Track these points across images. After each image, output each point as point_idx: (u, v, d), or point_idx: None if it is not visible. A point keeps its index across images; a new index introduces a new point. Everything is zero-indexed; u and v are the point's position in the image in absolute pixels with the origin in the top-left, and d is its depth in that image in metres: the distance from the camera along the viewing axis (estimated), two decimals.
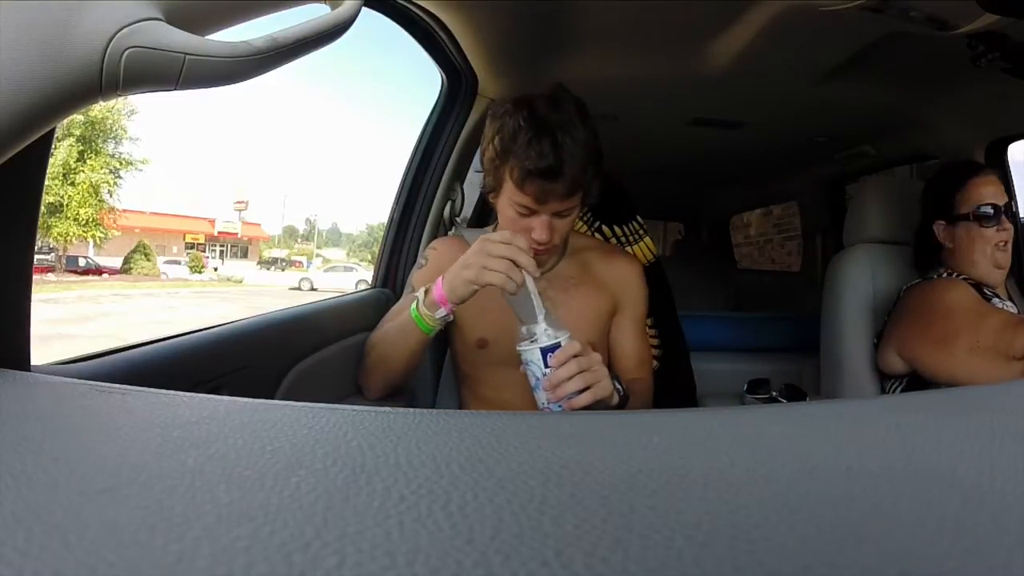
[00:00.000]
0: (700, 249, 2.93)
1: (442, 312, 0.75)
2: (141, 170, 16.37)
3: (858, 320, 1.22)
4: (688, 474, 0.20)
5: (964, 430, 0.25)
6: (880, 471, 0.21)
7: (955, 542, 0.16)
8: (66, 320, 7.79)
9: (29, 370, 0.40)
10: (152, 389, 0.30)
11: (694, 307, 1.68)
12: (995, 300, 1.07)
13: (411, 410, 0.27)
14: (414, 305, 0.77)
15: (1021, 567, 0.15)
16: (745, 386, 1.45)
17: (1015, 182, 1.36)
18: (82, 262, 17.48)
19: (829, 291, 1.29)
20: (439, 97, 1.24)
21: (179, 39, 0.27)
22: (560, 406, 0.67)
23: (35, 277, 0.41)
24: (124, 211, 17.66)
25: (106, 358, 0.53)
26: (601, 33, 1.10)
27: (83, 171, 14.83)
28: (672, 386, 1.16)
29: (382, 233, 1.34)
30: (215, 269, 23.26)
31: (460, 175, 1.31)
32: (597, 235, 1.15)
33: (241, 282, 20.02)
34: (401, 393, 0.90)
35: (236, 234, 28.01)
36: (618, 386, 0.76)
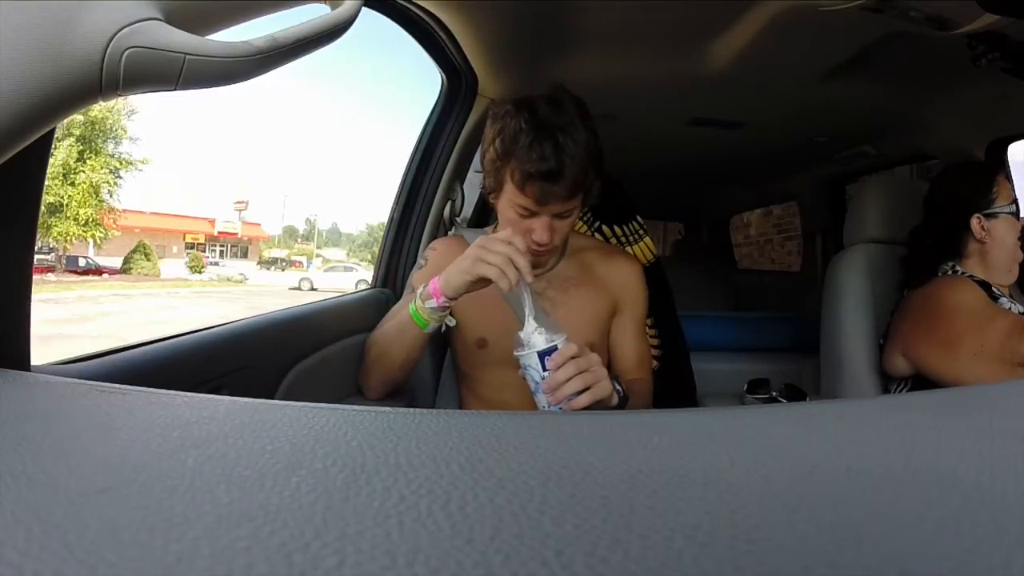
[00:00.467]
0: (700, 249, 2.92)
1: (433, 303, 0.76)
2: (141, 170, 16.39)
3: (858, 320, 1.22)
4: (688, 474, 0.20)
5: (964, 430, 0.25)
6: (880, 471, 0.21)
7: (955, 542, 0.16)
8: (66, 320, 7.79)
9: (29, 370, 0.40)
10: (152, 389, 0.30)
11: (694, 307, 1.68)
12: (1002, 300, 1.07)
13: (411, 410, 0.27)
14: (413, 303, 0.78)
15: (1021, 567, 0.15)
16: (745, 386, 1.45)
17: (1015, 182, 1.36)
18: (82, 262, 17.47)
19: (829, 291, 1.29)
20: (439, 97, 1.24)
21: (179, 39, 0.27)
22: (561, 408, 0.68)
23: (35, 277, 0.41)
24: (124, 211, 17.67)
25: (106, 358, 0.53)
26: (601, 33, 1.10)
27: (83, 171, 14.83)
28: (672, 386, 1.16)
29: (382, 233, 1.34)
30: (215, 264, 23.39)
31: (460, 175, 1.31)
32: (597, 235, 1.15)
33: (242, 282, 20.04)
34: (401, 393, 0.90)
35: (236, 234, 28.02)
36: (617, 387, 0.76)
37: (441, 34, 1.04)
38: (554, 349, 0.67)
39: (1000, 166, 1.14)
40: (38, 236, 0.41)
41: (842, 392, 1.22)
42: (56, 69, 0.25)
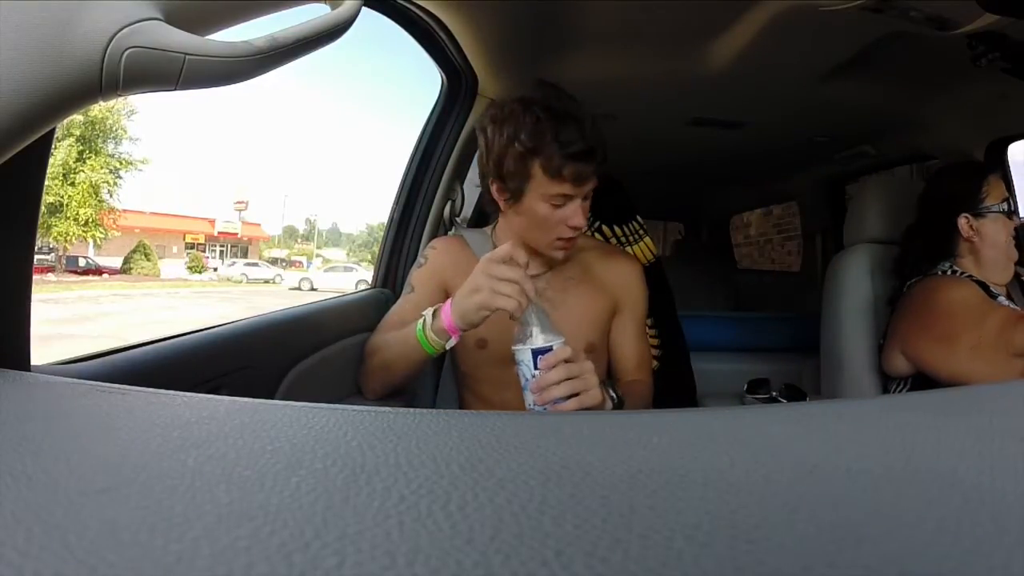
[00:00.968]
0: (700, 249, 2.92)
1: (453, 342, 0.75)
2: (141, 170, 16.40)
3: (858, 320, 1.22)
4: (688, 474, 0.20)
5: (964, 430, 0.25)
6: (880, 471, 0.21)
7: (955, 542, 0.16)
8: (66, 320, 7.79)
9: (29, 370, 0.40)
10: (152, 389, 0.30)
11: (694, 307, 1.68)
12: (1000, 299, 1.07)
13: (411, 410, 0.27)
14: (420, 327, 0.76)
15: (1021, 567, 0.15)
16: (745, 386, 1.45)
17: (1015, 182, 1.36)
18: (82, 262, 17.48)
19: (829, 291, 1.29)
20: (439, 97, 1.24)
21: (179, 39, 0.27)
22: (545, 410, 0.67)
23: (35, 277, 0.41)
24: (124, 211, 17.67)
25: (106, 358, 0.53)
26: (601, 33, 1.10)
27: (83, 171, 14.84)
28: (672, 386, 1.16)
29: (382, 233, 1.34)
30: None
31: (460, 175, 1.31)
32: (597, 235, 1.15)
33: (240, 282, 20.06)
34: (401, 393, 0.90)
35: (236, 234, 28.01)
36: (612, 393, 0.76)
37: (441, 34, 1.04)
38: (549, 350, 0.67)
39: (994, 166, 1.13)
40: (38, 236, 0.41)
41: (842, 392, 1.22)
42: (56, 69, 0.25)
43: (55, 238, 15.10)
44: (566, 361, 0.67)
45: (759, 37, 1.05)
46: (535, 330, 0.68)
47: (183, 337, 0.65)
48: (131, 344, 0.59)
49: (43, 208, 0.43)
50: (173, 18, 0.27)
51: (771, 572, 0.14)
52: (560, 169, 0.77)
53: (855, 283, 1.24)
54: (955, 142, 1.47)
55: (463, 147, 1.27)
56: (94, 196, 15.12)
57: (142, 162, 16.40)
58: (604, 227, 1.16)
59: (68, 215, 14.73)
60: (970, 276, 1.09)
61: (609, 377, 0.95)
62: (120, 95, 0.27)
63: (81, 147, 14.98)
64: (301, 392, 0.79)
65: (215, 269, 23.13)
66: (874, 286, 1.23)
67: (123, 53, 0.26)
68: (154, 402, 0.28)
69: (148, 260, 18.93)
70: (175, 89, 0.27)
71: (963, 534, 0.16)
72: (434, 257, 0.94)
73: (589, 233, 1.14)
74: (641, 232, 1.19)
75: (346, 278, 16.48)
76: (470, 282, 0.72)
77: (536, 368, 0.67)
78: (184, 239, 25.04)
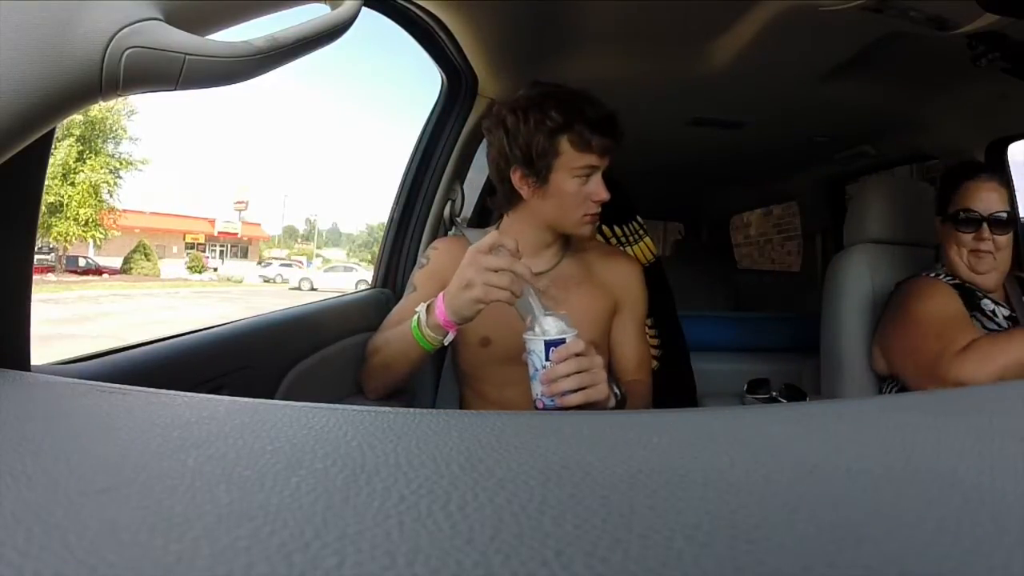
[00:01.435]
0: (700, 249, 2.92)
1: (450, 337, 0.75)
2: (141, 170, 16.39)
3: (858, 320, 1.22)
4: (688, 474, 0.20)
5: (964, 430, 0.25)
6: (880, 471, 0.21)
7: (955, 542, 0.16)
8: (66, 320, 7.79)
9: (29, 370, 0.40)
10: (152, 389, 0.30)
11: (694, 307, 1.68)
12: (985, 302, 1.06)
13: (411, 410, 0.27)
14: (415, 324, 0.76)
15: (1021, 567, 0.15)
16: (745, 386, 1.45)
17: (1015, 182, 1.35)
18: (82, 262, 17.48)
19: (829, 291, 1.29)
20: (439, 97, 1.24)
21: (179, 39, 0.27)
22: (553, 401, 0.68)
23: (35, 277, 0.41)
24: (124, 211, 17.66)
25: (106, 358, 0.53)
26: (601, 33, 1.10)
27: (83, 171, 14.83)
28: (672, 386, 1.16)
29: (382, 233, 1.34)
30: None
31: (460, 175, 1.31)
32: (597, 235, 1.15)
33: (241, 282, 20.05)
34: (401, 393, 0.90)
35: (236, 234, 27.99)
36: (616, 390, 0.76)
37: (441, 34, 1.04)
38: (562, 342, 0.68)
39: (990, 173, 1.10)
40: (38, 236, 0.41)
41: (842, 392, 1.22)
42: (56, 69, 0.25)
43: (55, 238, 15.10)
44: (578, 354, 0.68)
45: (759, 37, 1.05)
46: (552, 320, 0.69)
47: (183, 337, 0.65)
48: (131, 344, 0.59)
49: (43, 208, 0.43)
50: (173, 18, 0.27)
51: (771, 572, 0.14)
52: (589, 140, 0.82)
53: (855, 283, 1.24)
54: (955, 142, 1.47)
55: (463, 147, 1.27)
56: (94, 196, 15.12)
57: (142, 162, 16.40)
58: (604, 227, 1.16)
59: (68, 215, 14.73)
60: (956, 280, 1.09)
61: (610, 375, 0.95)
62: (120, 95, 0.27)
63: (81, 147, 14.98)
64: (301, 392, 0.79)
65: (215, 269, 23.12)
66: (874, 286, 1.23)
67: (123, 53, 0.26)
68: (154, 402, 0.28)
69: (148, 260, 18.93)
70: (175, 89, 0.27)
71: (963, 534, 0.16)
72: (436, 257, 0.94)
73: None
74: (641, 232, 1.19)
75: (346, 278, 16.49)
76: (460, 276, 0.71)
77: (547, 359, 0.68)
78: (184, 239, 25.02)
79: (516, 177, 0.86)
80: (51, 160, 0.41)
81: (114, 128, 15.69)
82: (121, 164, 15.81)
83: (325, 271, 21.29)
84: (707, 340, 1.65)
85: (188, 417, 0.25)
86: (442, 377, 1.12)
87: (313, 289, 16.80)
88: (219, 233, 27.30)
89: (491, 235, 0.72)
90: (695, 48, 1.14)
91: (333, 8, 0.31)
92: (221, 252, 26.93)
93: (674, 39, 1.11)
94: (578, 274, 0.93)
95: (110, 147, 15.78)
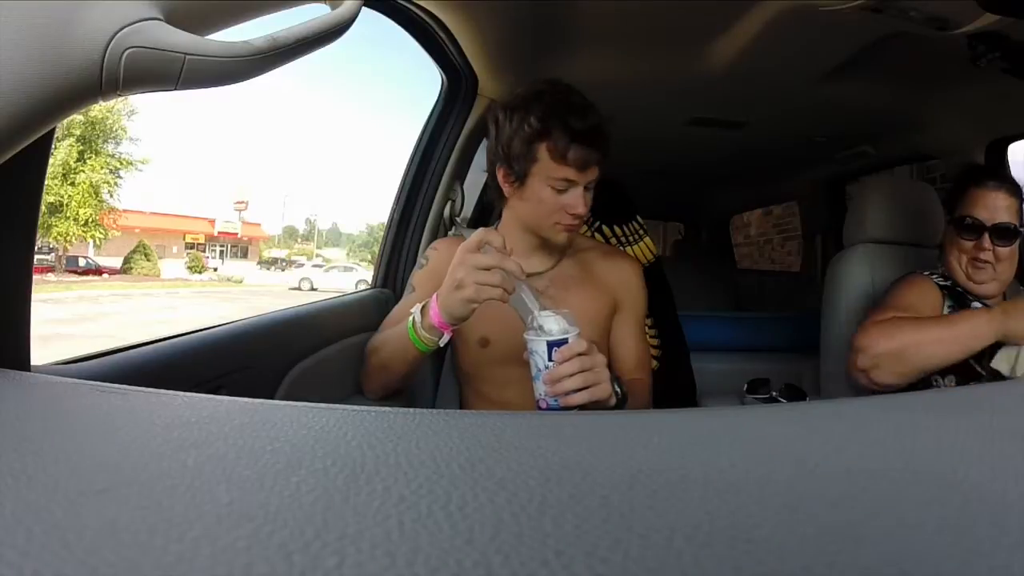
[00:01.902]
0: (700, 249, 2.93)
1: (445, 338, 0.75)
2: (141, 170, 16.36)
3: (858, 320, 1.22)
4: (688, 474, 0.20)
5: (964, 430, 0.25)
6: (880, 471, 0.21)
7: (955, 542, 0.16)
8: (66, 320, 7.79)
9: (29, 370, 0.40)
10: (152, 389, 0.30)
11: (694, 307, 1.68)
12: (975, 304, 1.05)
13: (411, 410, 0.27)
14: (410, 325, 0.76)
15: (1021, 567, 0.15)
16: (745, 386, 1.45)
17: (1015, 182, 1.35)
18: (82, 262, 17.47)
19: (829, 291, 1.29)
20: (439, 97, 1.24)
21: (179, 39, 0.27)
22: (557, 401, 0.68)
23: (35, 277, 0.41)
24: (124, 211, 17.64)
25: (106, 358, 0.53)
26: (601, 33, 1.10)
27: (83, 171, 14.82)
28: (672, 386, 1.16)
29: (382, 233, 1.34)
30: (214, 267, 23.10)
31: (460, 175, 1.31)
32: (597, 235, 1.15)
33: (241, 282, 20.05)
34: (401, 393, 0.90)
35: (236, 234, 27.99)
36: (617, 388, 0.76)
37: (441, 34, 1.04)
38: (564, 342, 0.68)
39: (1000, 181, 1.08)
40: (38, 236, 0.41)
41: (842, 392, 1.22)
42: (56, 69, 0.25)
43: (55, 238, 15.09)
44: (581, 354, 0.68)
45: (759, 37, 1.05)
46: (553, 321, 0.68)
47: (183, 337, 0.65)
48: (131, 344, 0.59)
49: (43, 208, 0.43)
50: (173, 18, 0.27)
51: (771, 572, 0.14)
52: (565, 152, 0.79)
53: (855, 283, 1.24)
54: (955, 142, 1.47)
55: (463, 147, 1.27)
56: (94, 196, 15.10)
57: (142, 162, 16.38)
58: (604, 227, 1.16)
59: (68, 215, 14.71)
60: (948, 281, 1.08)
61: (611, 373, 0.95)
62: (120, 95, 0.27)
63: (81, 147, 14.96)
64: (301, 392, 0.79)
65: (215, 269, 23.10)
66: (874, 286, 1.22)
67: (123, 53, 0.26)
68: (154, 402, 0.28)
69: (148, 260, 18.92)
70: (175, 89, 0.27)
71: (963, 534, 0.16)
72: (435, 258, 0.94)
73: (589, 233, 1.14)
74: (641, 232, 1.19)
75: (346, 278, 16.51)
76: (451, 277, 0.71)
77: (550, 359, 0.67)
78: (184, 239, 25.02)
79: (500, 174, 0.86)
80: (51, 160, 0.41)
81: (114, 128, 15.68)
82: (121, 164, 15.79)
83: (325, 271, 21.29)
84: (707, 340, 1.65)
85: (188, 417, 0.25)
86: (442, 377, 1.12)
87: (313, 289, 16.82)
88: (219, 233, 27.29)
89: (478, 232, 0.71)
90: (695, 48, 1.14)
91: (333, 8, 0.31)
92: (221, 252, 26.92)
93: (674, 39, 1.11)
94: (578, 274, 0.93)
95: (110, 147, 15.77)
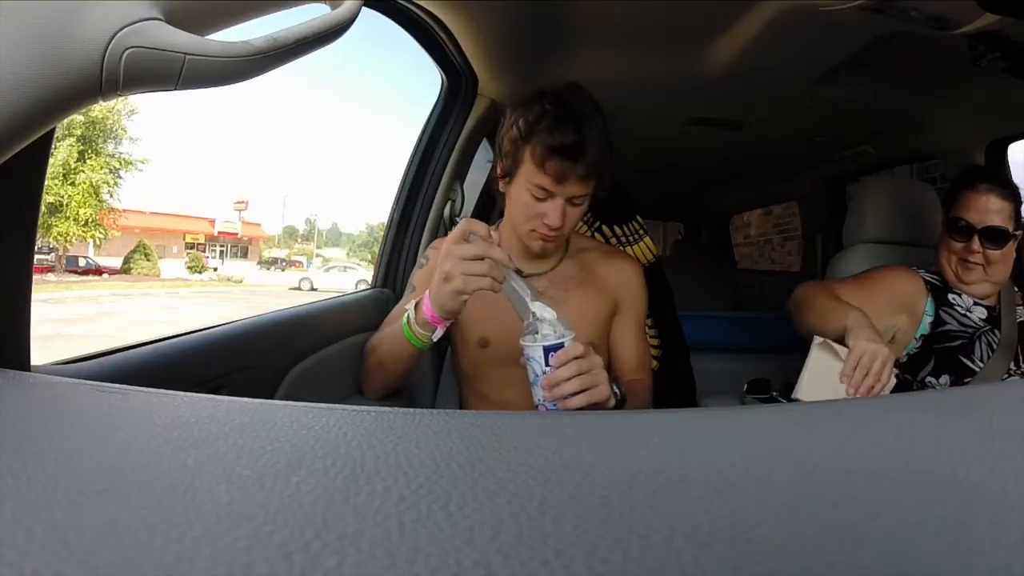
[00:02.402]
0: (700, 249, 2.93)
1: (439, 333, 0.75)
2: (141, 170, 16.35)
3: None
4: (688, 474, 0.20)
5: (964, 430, 0.25)
6: (880, 471, 0.21)
7: (955, 542, 0.16)
8: (66, 320, 7.78)
9: (29, 370, 0.40)
10: (152, 389, 0.30)
11: (694, 307, 1.68)
12: (958, 299, 1.05)
13: (411, 410, 0.27)
14: (405, 321, 0.76)
15: (1021, 567, 0.15)
16: (745, 386, 1.45)
17: (1015, 182, 1.35)
18: (82, 262, 17.47)
19: None
20: (439, 97, 1.24)
21: (179, 39, 0.27)
22: (556, 405, 0.68)
23: (35, 277, 0.41)
24: (124, 211, 17.63)
25: (106, 358, 0.53)
26: (601, 33, 1.10)
27: (83, 171, 14.81)
28: (672, 386, 1.16)
29: (382, 233, 1.34)
30: (214, 267, 23.08)
31: (460, 175, 1.31)
32: (597, 235, 1.15)
33: (241, 282, 20.04)
34: (401, 393, 0.90)
35: (236, 234, 27.99)
36: (616, 389, 0.76)
37: (441, 34, 1.04)
38: (560, 346, 0.67)
39: (996, 186, 1.08)
40: (38, 236, 0.41)
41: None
42: (56, 69, 0.25)
43: (55, 238, 15.08)
44: (577, 357, 0.67)
45: (759, 37, 1.05)
46: (546, 326, 0.68)
47: (183, 337, 0.65)
48: (131, 344, 0.59)
49: (43, 208, 0.43)
50: (173, 18, 0.27)
51: (771, 572, 0.14)
52: (543, 161, 0.78)
53: None
54: (955, 142, 1.47)
55: (463, 147, 1.27)
56: (94, 196, 15.10)
57: (142, 162, 16.37)
58: (604, 227, 1.16)
59: (68, 215, 14.70)
60: (931, 280, 1.08)
61: (609, 374, 0.95)
62: (120, 95, 0.27)
63: (81, 147, 14.95)
64: (301, 392, 0.79)
65: (215, 269, 23.09)
66: None
67: (123, 53, 0.26)
68: (154, 402, 0.28)
69: (148, 260, 18.92)
70: (175, 89, 0.27)
71: (963, 534, 0.16)
72: (435, 258, 0.94)
73: (589, 233, 1.14)
74: (641, 232, 1.19)
75: (345, 278, 16.52)
76: (440, 270, 0.71)
77: (547, 364, 0.67)
78: (184, 239, 25.01)
79: (499, 169, 0.87)
80: (51, 160, 0.41)
81: (114, 128, 15.67)
82: (121, 164, 15.78)
83: (325, 271, 21.27)
84: (707, 340, 1.64)
85: (188, 417, 0.25)
86: (442, 377, 1.12)
87: (313, 289, 16.82)
88: (219, 233, 27.29)
89: (463, 223, 0.71)
90: (695, 48, 1.14)
91: (333, 8, 0.31)
92: (221, 252, 26.91)
93: (674, 39, 1.11)
94: (577, 274, 0.92)
95: (110, 147, 15.77)
